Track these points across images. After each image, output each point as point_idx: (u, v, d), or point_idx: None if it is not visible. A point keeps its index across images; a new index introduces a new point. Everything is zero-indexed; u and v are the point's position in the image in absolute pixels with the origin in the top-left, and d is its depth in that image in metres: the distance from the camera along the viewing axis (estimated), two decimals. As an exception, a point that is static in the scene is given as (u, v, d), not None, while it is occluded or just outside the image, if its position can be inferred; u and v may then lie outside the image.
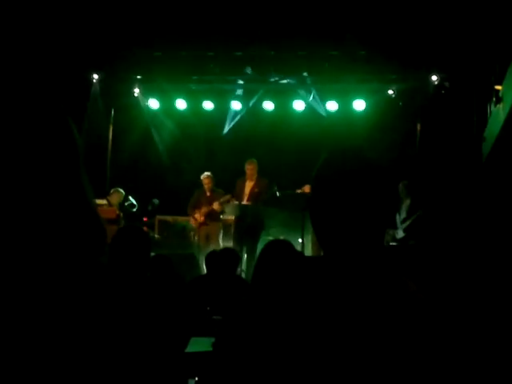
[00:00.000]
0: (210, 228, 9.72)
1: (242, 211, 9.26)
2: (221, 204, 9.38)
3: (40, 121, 1.37)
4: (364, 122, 10.92)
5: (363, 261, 1.48)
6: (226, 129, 12.10)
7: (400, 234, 8.81)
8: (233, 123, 12.02)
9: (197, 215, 9.66)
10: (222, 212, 9.69)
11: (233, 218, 9.69)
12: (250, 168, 9.44)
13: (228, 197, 9.40)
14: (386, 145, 9.23)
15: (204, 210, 9.63)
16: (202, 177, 9.72)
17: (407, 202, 8.91)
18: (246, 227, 9.15)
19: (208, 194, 9.74)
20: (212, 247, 8.33)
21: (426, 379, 1.33)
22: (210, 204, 9.56)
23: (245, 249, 9.21)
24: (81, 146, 1.44)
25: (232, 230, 9.71)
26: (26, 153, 1.34)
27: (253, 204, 9.27)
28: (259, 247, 6.87)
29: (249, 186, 9.51)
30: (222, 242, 9.59)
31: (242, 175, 9.58)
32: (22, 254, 1.29)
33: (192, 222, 9.79)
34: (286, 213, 9.67)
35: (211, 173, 9.79)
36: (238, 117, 12.01)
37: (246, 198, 9.41)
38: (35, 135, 1.35)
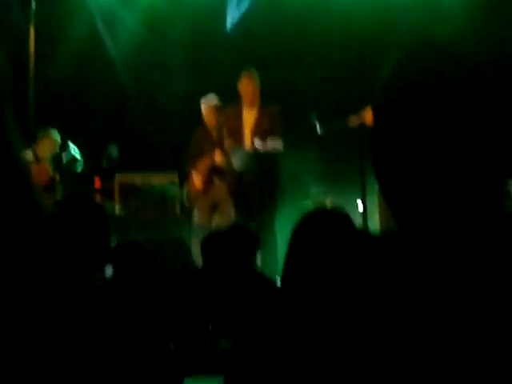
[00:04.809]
0: (218, 192, 6.60)
1: (249, 163, 6.31)
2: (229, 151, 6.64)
3: None
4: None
5: (468, 240, 0.87)
6: (230, 22, 8.34)
7: None
8: (239, 13, 8.34)
9: (195, 175, 6.62)
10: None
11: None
12: (248, 85, 6.29)
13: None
14: (499, 38, 6.15)
15: (207, 162, 6.64)
16: (202, 104, 6.64)
17: None
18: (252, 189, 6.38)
19: (214, 133, 6.85)
20: (222, 222, 6.18)
21: None
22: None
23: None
24: (5, 67, 0.99)
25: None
26: None
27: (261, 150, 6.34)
28: (292, 217, 3.95)
29: (249, 117, 6.42)
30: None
31: (234, 100, 6.63)
32: None
33: (189, 189, 6.82)
34: (333, 160, 7.09)
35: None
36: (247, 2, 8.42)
37: (247, 140, 6.40)
38: None
